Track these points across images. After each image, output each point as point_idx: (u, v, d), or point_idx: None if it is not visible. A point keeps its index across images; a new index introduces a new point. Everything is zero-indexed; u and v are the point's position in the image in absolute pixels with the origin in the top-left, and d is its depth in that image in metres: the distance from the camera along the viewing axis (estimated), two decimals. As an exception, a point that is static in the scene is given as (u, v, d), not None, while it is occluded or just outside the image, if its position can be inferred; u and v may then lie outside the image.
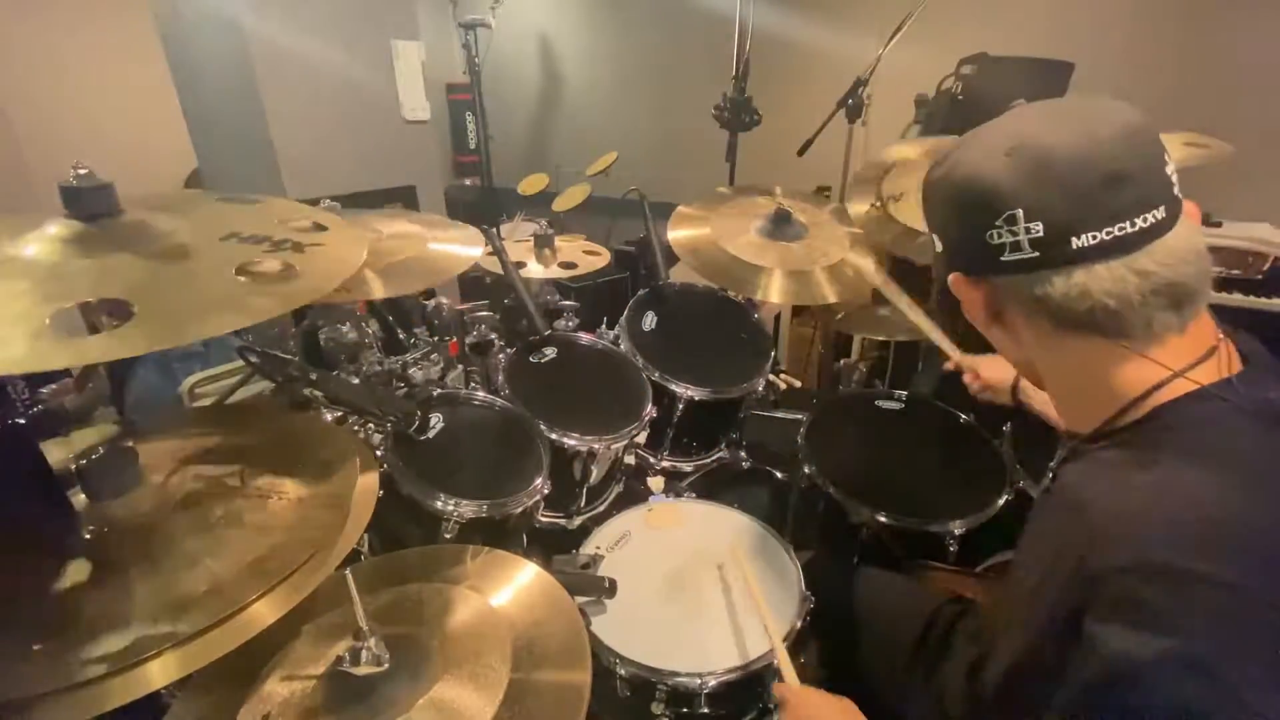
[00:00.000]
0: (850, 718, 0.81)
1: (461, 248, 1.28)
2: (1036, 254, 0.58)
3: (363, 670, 0.69)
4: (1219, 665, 0.46)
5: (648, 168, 3.03)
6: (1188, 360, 0.58)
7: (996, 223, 0.58)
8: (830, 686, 0.88)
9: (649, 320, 1.63)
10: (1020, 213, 0.57)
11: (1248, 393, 0.57)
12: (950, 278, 0.66)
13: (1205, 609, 0.47)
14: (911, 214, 1.41)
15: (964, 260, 0.65)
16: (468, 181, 4.23)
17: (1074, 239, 0.56)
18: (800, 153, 1.91)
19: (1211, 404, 0.56)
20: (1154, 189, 0.56)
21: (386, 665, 0.70)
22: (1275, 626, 0.47)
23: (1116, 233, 0.55)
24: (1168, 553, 0.49)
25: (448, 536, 1.08)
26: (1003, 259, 0.59)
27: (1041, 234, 0.57)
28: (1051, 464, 0.74)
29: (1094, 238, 0.56)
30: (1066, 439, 0.70)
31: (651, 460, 1.57)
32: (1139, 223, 0.55)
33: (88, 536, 0.73)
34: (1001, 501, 1.22)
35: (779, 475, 1.62)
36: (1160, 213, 0.56)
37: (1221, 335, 0.61)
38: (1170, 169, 0.57)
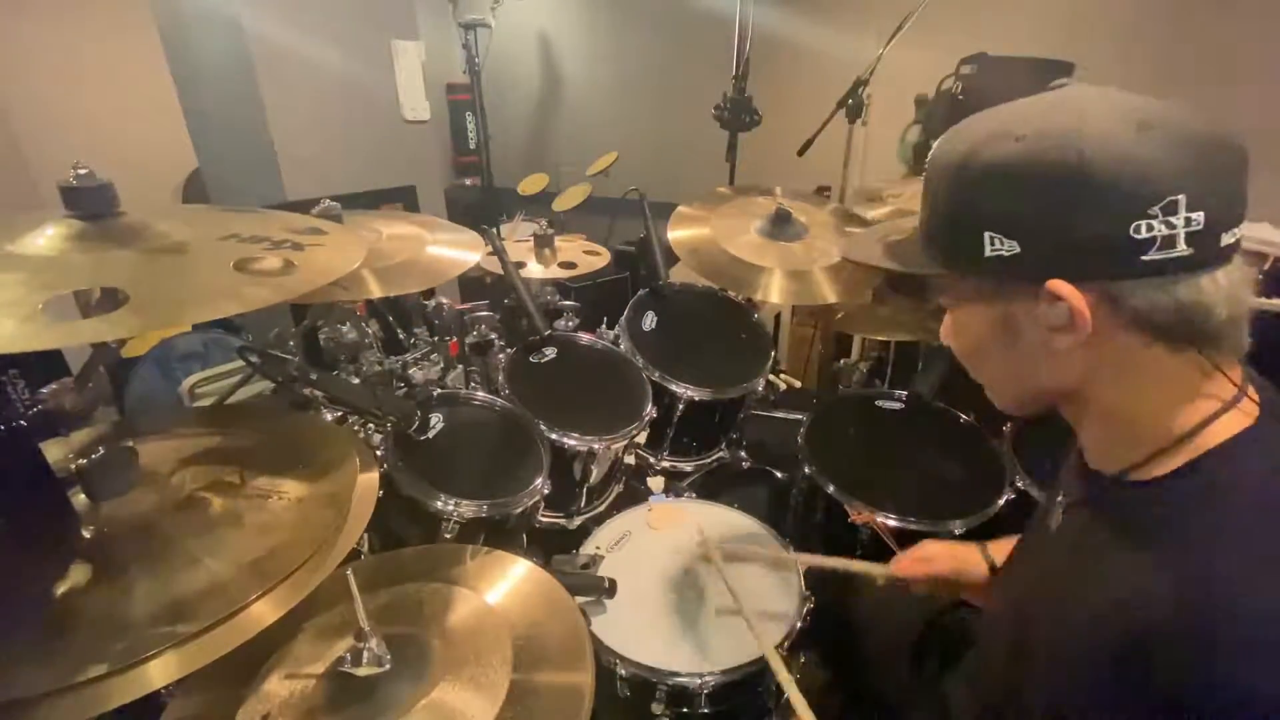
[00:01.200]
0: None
1: (461, 252, 1.28)
2: (1190, 251, 0.47)
3: (364, 671, 0.69)
4: None
5: (648, 168, 3.03)
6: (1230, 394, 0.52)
7: (1150, 211, 0.47)
8: (831, 686, 0.88)
9: (649, 320, 1.63)
10: (1183, 199, 0.46)
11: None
12: (1049, 286, 0.50)
13: None
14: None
15: (1073, 262, 0.50)
16: (468, 181, 4.23)
17: (1224, 234, 0.48)
18: (800, 153, 1.91)
19: (1261, 450, 0.51)
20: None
21: (388, 666, 0.70)
22: None
23: (1240, 232, 0.49)
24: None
25: (448, 536, 1.08)
26: (1145, 257, 0.48)
27: (1201, 227, 0.47)
28: (1062, 498, 0.67)
29: (1234, 234, 0.49)
30: (1083, 475, 0.63)
31: (651, 460, 1.57)
32: (1247, 223, 0.49)
33: (88, 536, 0.73)
34: (1001, 501, 1.22)
35: (779, 475, 1.62)
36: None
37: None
38: None
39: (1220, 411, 0.51)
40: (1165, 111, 0.49)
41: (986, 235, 0.51)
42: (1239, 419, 0.52)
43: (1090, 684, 0.50)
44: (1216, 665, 0.44)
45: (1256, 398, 0.53)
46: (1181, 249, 0.47)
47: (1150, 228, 0.47)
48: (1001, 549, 0.91)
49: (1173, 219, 0.47)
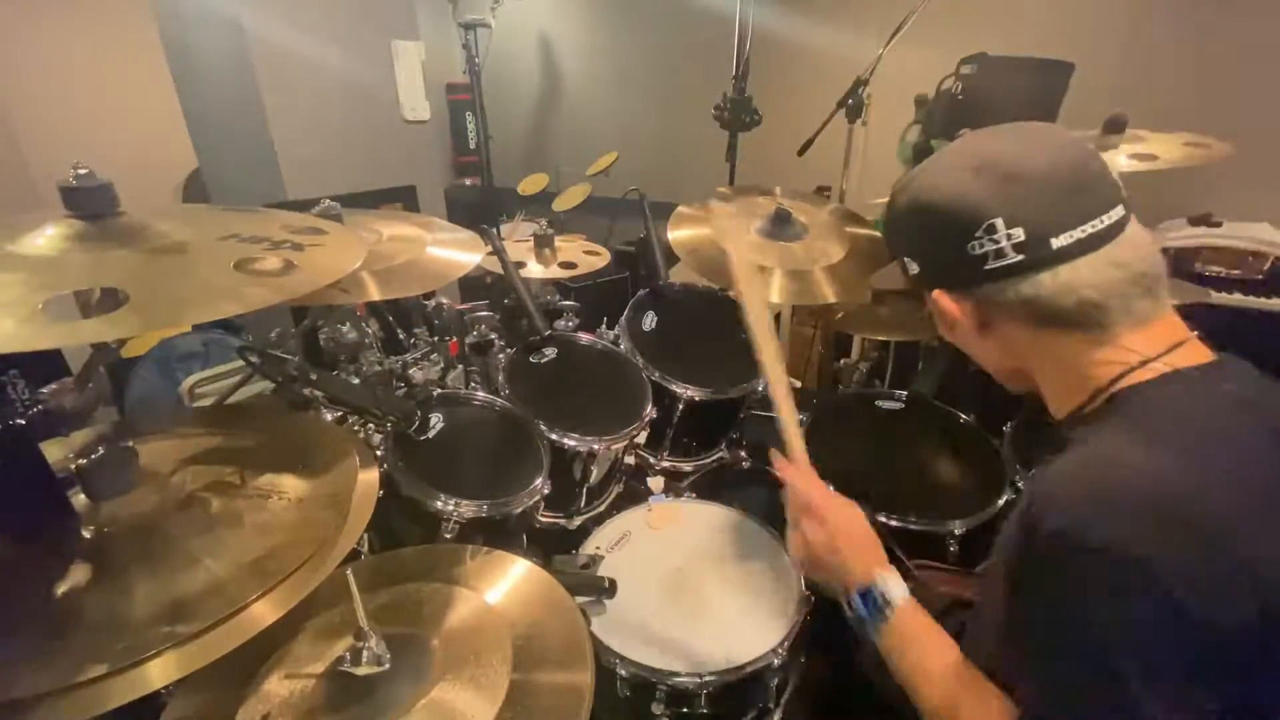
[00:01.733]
0: (857, 525, 0.81)
1: (461, 253, 1.28)
2: (1021, 258, 0.63)
3: (364, 670, 0.69)
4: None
5: (648, 168, 3.04)
6: (1160, 350, 0.63)
7: (977, 234, 0.63)
8: (830, 686, 0.88)
9: (649, 320, 1.63)
10: (1000, 221, 0.62)
11: (1205, 379, 0.62)
12: (934, 295, 0.70)
13: (1109, 585, 0.52)
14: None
15: (946, 276, 0.70)
16: (468, 181, 4.23)
17: (1053, 239, 0.62)
18: (800, 153, 1.91)
19: (1171, 387, 0.61)
20: (1110, 190, 0.64)
21: (387, 665, 0.70)
22: (1181, 605, 0.50)
23: (1090, 229, 0.61)
24: (1087, 524, 0.53)
25: (448, 536, 1.08)
26: (987, 268, 0.64)
27: (1023, 238, 0.62)
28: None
29: (1070, 236, 0.61)
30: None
31: (651, 460, 1.57)
32: (1105, 219, 0.62)
33: (88, 536, 0.73)
34: (1002, 501, 1.22)
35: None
36: (1120, 210, 0.63)
37: (1193, 333, 0.66)
38: (1115, 173, 0.65)
39: (1126, 371, 0.63)
40: (1003, 155, 0.64)
41: (905, 259, 0.74)
42: (1149, 373, 0.62)
43: (1009, 556, 0.62)
44: (1093, 525, 0.53)
45: (1182, 365, 0.62)
46: (1012, 257, 0.63)
47: (981, 245, 0.64)
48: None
49: (995, 236, 0.63)
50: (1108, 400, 0.64)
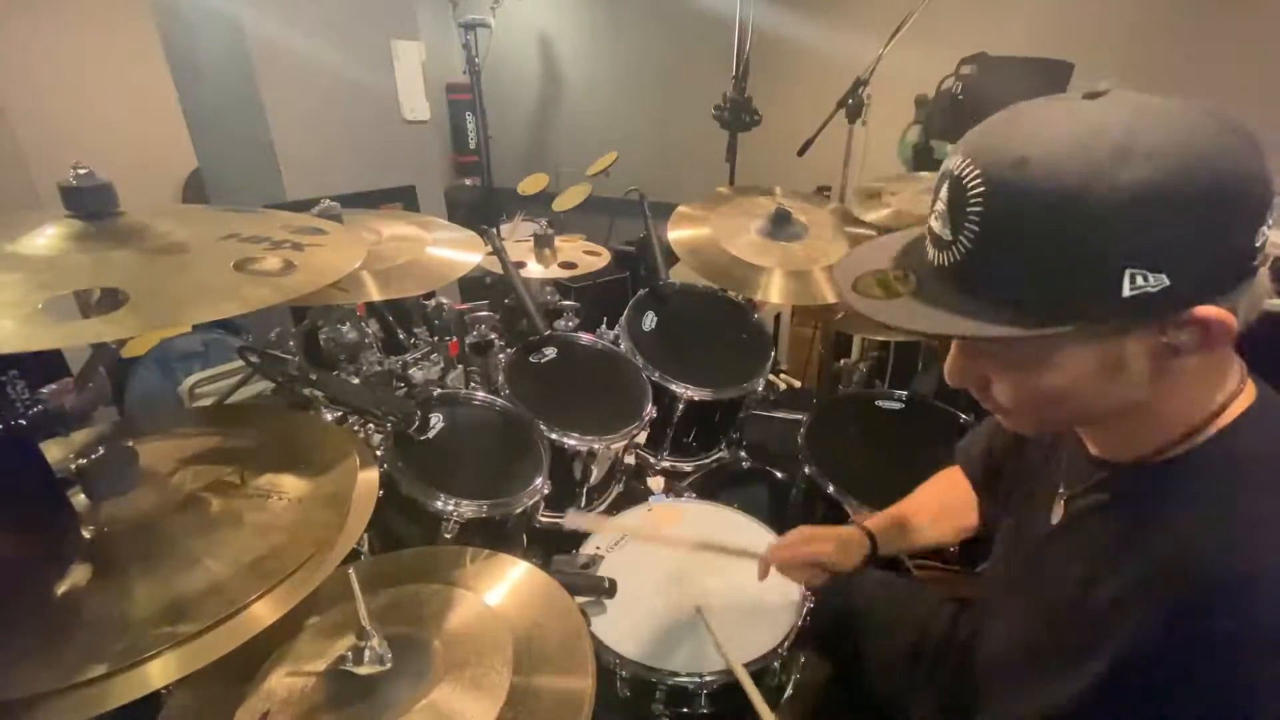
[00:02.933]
0: None
1: (462, 253, 1.28)
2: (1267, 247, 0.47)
3: (365, 669, 0.69)
4: None
5: (648, 168, 3.04)
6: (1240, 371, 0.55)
7: (1266, 218, 0.45)
8: (830, 685, 0.88)
9: (649, 320, 1.63)
10: (1277, 200, 0.46)
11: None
12: (1200, 312, 0.46)
13: None
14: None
15: (1218, 281, 0.46)
16: (468, 181, 4.23)
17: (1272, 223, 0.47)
18: (800, 153, 1.91)
19: (1269, 426, 0.53)
20: None
21: (389, 665, 0.70)
22: None
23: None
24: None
25: (448, 537, 1.08)
26: (1254, 263, 0.47)
27: (1273, 222, 0.46)
28: (1063, 491, 0.67)
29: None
30: (1090, 466, 0.63)
31: (651, 460, 1.57)
32: None
33: (88, 537, 0.73)
34: (1001, 501, 1.22)
35: (779, 475, 1.62)
36: None
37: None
38: None
39: (1238, 392, 0.53)
40: (1230, 117, 0.48)
41: (1128, 273, 0.45)
42: (1244, 399, 0.54)
43: (1143, 641, 0.51)
44: (1261, 608, 0.46)
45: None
46: (1267, 247, 0.47)
47: (1263, 235, 0.46)
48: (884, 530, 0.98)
49: (1272, 219, 0.46)
50: (1215, 435, 0.53)
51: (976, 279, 0.50)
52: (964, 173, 0.50)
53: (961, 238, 0.50)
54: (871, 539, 0.97)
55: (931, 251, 0.54)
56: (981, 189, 0.48)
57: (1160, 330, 0.48)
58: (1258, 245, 0.46)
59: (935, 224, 0.53)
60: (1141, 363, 0.50)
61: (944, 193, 0.52)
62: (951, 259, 0.51)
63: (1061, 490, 0.67)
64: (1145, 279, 0.45)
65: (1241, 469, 0.52)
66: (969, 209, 0.49)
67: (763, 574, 0.99)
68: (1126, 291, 0.45)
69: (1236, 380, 0.54)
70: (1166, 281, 0.45)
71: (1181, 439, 0.54)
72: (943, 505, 1.00)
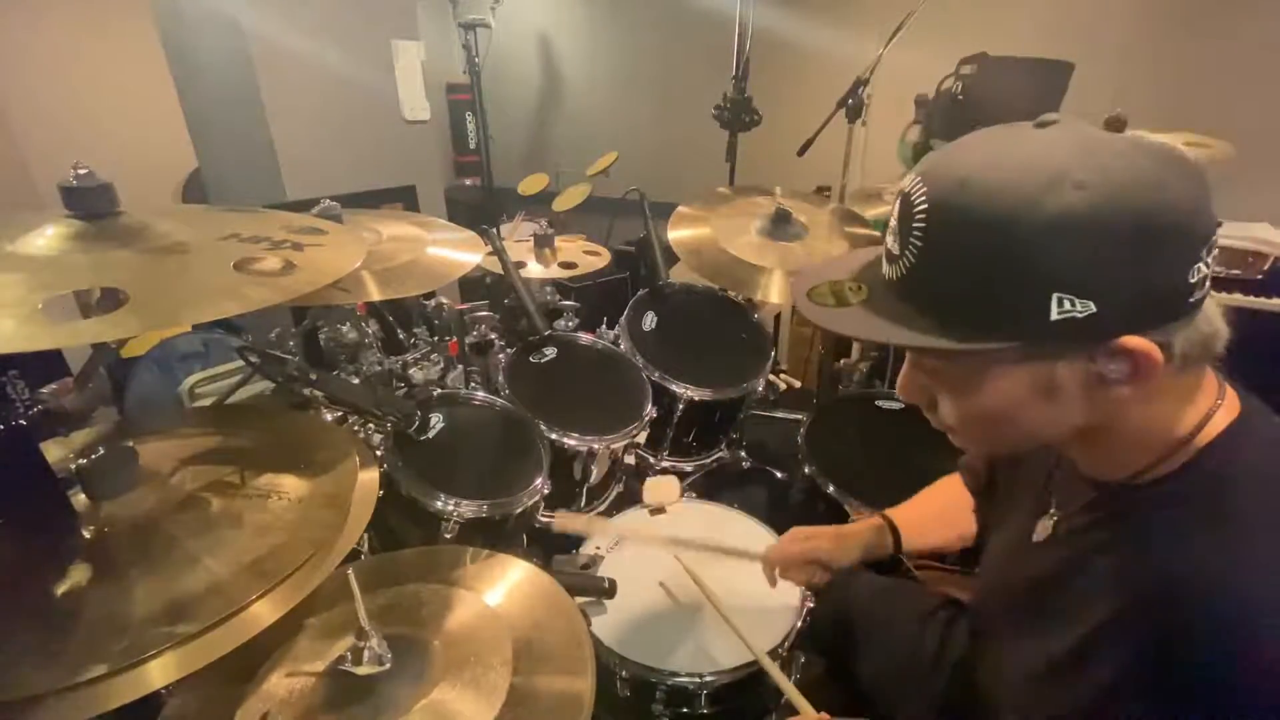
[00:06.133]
0: None
1: (462, 253, 1.28)
2: (1208, 284, 0.48)
3: (364, 669, 0.69)
4: None
5: (648, 168, 3.03)
6: (1216, 388, 0.55)
7: (1201, 253, 0.46)
8: (829, 685, 0.88)
9: (649, 320, 1.63)
10: (1216, 235, 0.47)
11: (1265, 414, 0.55)
12: (1124, 342, 0.47)
13: None
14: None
15: (1146, 313, 0.47)
16: (468, 181, 4.23)
17: (1211, 260, 0.48)
18: (800, 153, 1.91)
19: (1260, 431, 0.54)
20: None
21: (388, 665, 0.70)
22: None
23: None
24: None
25: (448, 537, 1.08)
26: (1191, 299, 0.48)
27: (1211, 259, 0.48)
28: (1054, 511, 0.67)
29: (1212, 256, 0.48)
30: (1080, 485, 0.63)
31: (651, 460, 1.57)
32: (1246, 224, 0.51)
33: (88, 537, 0.73)
34: (1001, 501, 1.22)
35: (779, 475, 1.63)
36: None
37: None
38: None
39: (1213, 410, 0.54)
40: (1171, 147, 0.49)
41: (1055, 297, 0.46)
42: (1226, 413, 0.54)
43: (1132, 667, 0.51)
44: (1247, 638, 0.46)
45: (1229, 390, 0.56)
46: (1208, 284, 0.48)
47: (1200, 270, 0.47)
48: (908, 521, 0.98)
49: (1210, 257, 0.47)
50: (1199, 455, 0.53)
51: (918, 292, 0.52)
52: (913, 190, 0.52)
53: (907, 252, 0.52)
54: (894, 529, 0.98)
55: (885, 265, 0.56)
56: (925, 206, 0.50)
57: (1090, 358, 0.49)
58: (1192, 281, 0.47)
59: (889, 239, 0.55)
60: (1074, 389, 0.51)
61: (896, 209, 0.54)
62: (899, 272, 0.53)
63: (1053, 511, 0.67)
64: (1073, 304, 0.46)
65: (1225, 489, 0.52)
66: (914, 224, 0.51)
67: (771, 580, 1.00)
68: (1054, 315, 0.46)
69: (1211, 397, 0.55)
70: (1094, 308, 0.46)
71: (1163, 459, 0.54)
72: (944, 510, 1.00)
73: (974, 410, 0.56)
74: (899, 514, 1.01)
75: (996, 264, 0.47)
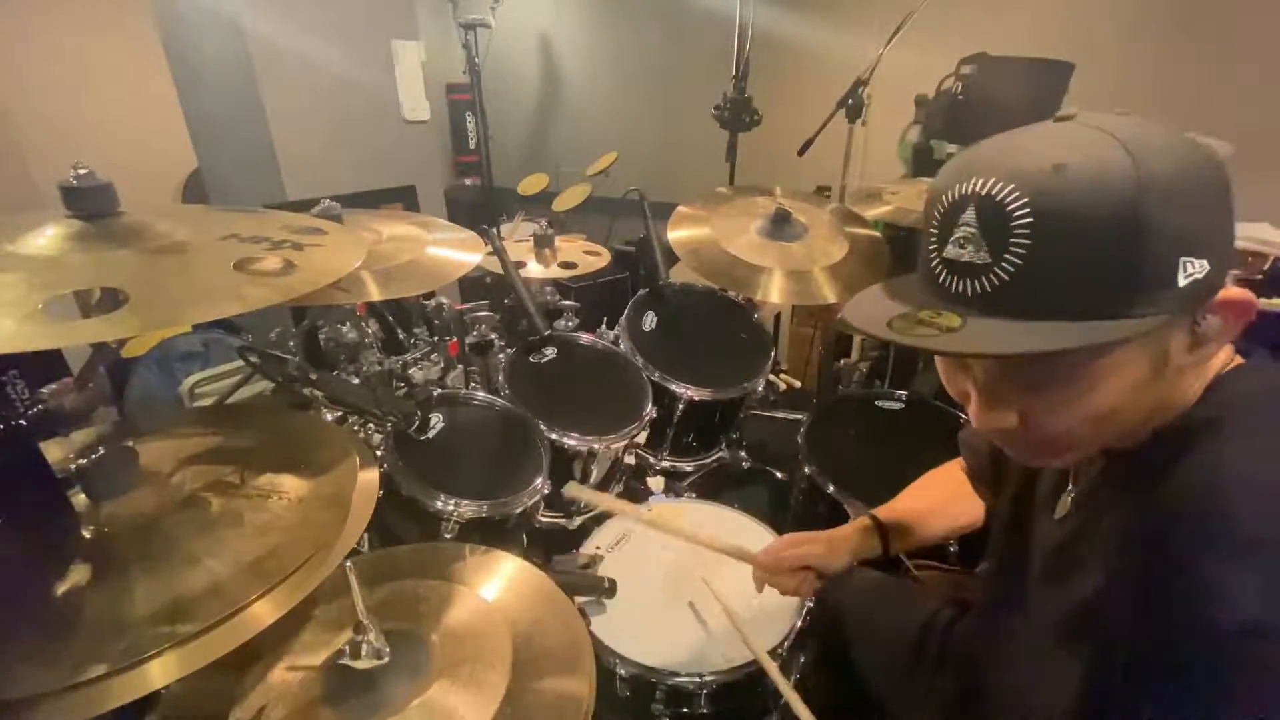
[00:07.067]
0: None
1: (461, 253, 1.28)
2: None
3: (363, 664, 0.69)
4: None
5: (648, 168, 3.04)
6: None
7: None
8: (828, 686, 0.88)
9: (649, 320, 1.63)
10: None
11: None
12: (1223, 296, 0.48)
13: None
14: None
15: (1229, 264, 0.49)
16: (468, 181, 4.23)
17: None
18: (800, 153, 1.91)
19: (1264, 371, 0.54)
20: None
21: (387, 659, 0.70)
22: None
23: None
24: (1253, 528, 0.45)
25: (448, 536, 1.08)
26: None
27: None
28: (1071, 487, 0.67)
29: None
30: (1099, 455, 0.62)
31: (651, 460, 1.58)
32: (1246, 224, 0.54)
33: (88, 536, 0.73)
34: (1001, 501, 1.22)
35: (779, 475, 1.63)
36: None
37: None
38: None
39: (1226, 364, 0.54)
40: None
41: (1181, 261, 0.45)
42: (1232, 361, 0.55)
43: (1146, 628, 0.50)
44: (1256, 586, 0.44)
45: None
46: None
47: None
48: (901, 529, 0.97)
49: None
50: (1207, 392, 0.53)
51: (1032, 295, 0.48)
52: (994, 191, 0.48)
53: (1008, 256, 0.48)
54: (882, 530, 0.96)
55: (958, 282, 0.51)
56: (1025, 201, 0.47)
57: (1195, 321, 0.49)
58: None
59: (961, 251, 0.50)
60: (1181, 358, 0.50)
61: (969, 217, 0.49)
62: (994, 283, 0.49)
63: (1070, 487, 0.67)
64: (1194, 265, 0.45)
65: (1225, 416, 0.52)
66: (1015, 224, 0.47)
67: (759, 586, 0.98)
68: (1181, 280, 0.45)
69: (1227, 355, 0.55)
70: (1208, 266, 0.46)
71: (1170, 417, 0.54)
72: (943, 501, 0.99)
73: (1090, 408, 0.52)
74: (889, 512, 1.00)
75: (1123, 241, 0.45)
